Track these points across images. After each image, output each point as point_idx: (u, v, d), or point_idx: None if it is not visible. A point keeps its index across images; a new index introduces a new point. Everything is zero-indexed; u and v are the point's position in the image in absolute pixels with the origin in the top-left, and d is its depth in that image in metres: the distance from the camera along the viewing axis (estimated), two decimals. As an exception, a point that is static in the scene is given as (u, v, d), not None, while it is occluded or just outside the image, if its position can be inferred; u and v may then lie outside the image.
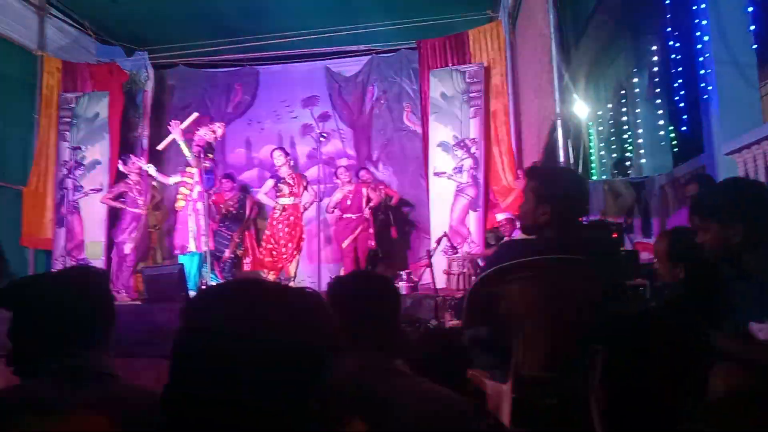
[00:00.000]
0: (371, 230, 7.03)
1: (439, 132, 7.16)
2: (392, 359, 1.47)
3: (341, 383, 1.05)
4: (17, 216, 7.28)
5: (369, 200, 7.02)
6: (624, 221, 5.90)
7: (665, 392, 1.13)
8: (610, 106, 8.96)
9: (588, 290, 2.03)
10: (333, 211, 7.20)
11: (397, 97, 8.21)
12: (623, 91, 8.50)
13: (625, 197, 6.22)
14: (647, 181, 6.45)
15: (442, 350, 1.97)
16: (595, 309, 1.99)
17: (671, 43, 6.41)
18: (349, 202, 7.00)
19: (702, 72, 4.88)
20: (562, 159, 4.56)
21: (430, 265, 5.19)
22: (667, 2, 6.23)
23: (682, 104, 6.18)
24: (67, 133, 7.59)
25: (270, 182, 6.78)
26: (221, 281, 5.81)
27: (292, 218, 6.59)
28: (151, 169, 6.37)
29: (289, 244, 6.54)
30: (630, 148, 8.31)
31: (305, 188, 6.71)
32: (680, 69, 6.17)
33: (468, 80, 7.12)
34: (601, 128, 9.31)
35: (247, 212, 7.49)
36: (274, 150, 6.84)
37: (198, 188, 5.81)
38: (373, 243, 6.99)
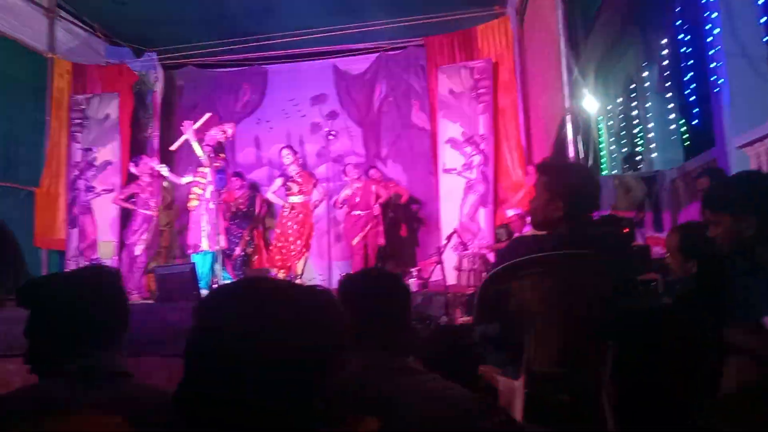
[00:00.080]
0: (381, 227, 7.03)
1: (448, 129, 7.15)
2: (403, 356, 1.47)
3: (352, 381, 1.05)
4: (30, 217, 7.35)
5: (378, 197, 7.02)
6: (635, 216, 5.86)
7: (677, 387, 1.12)
8: (620, 100, 8.90)
9: (600, 285, 2.02)
10: (342, 207, 7.20)
11: (406, 94, 8.20)
12: (633, 85, 8.43)
13: (636, 192, 6.17)
14: (658, 175, 6.40)
15: (453, 347, 1.97)
16: (606, 304, 1.98)
17: (681, 36, 6.35)
18: (357, 199, 7.00)
19: (713, 65, 4.83)
20: (571, 154, 4.54)
21: (440, 262, 5.20)
22: (676, -5, 6.18)
23: (692, 98, 6.13)
24: (78, 134, 7.66)
25: (279, 181, 6.80)
26: (233, 280, 5.85)
27: (301, 216, 6.60)
28: (164, 170, 6.42)
29: (298, 242, 6.55)
30: (640, 142, 8.24)
31: (314, 186, 6.72)
32: (691, 62, 6.12)
33: (476, 76, 7.10)
34: (611, 123, 9.25)
35: (257, 210, 7.52)
36: (282, 149, 6.86)
37: (211, 188, 5.85)
38: (382, 240, 7.00)
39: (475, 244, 6.61)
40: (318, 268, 7.52)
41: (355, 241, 6.93)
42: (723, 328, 1.72)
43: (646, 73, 7.95)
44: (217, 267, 5.81)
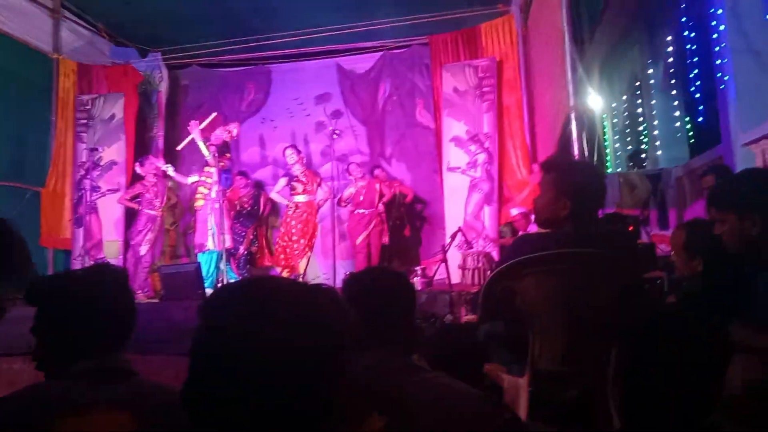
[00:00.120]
0: (384, 226, 7.03)
1: (453, 127, 7.15)
2: (408, 355, 1.47)
3: (357, 379, 1.05)
4: (36, 217, 7.39)
5: (382, 195, 7.02)
6: (640, 214, 5.84)
7: (683, 386, 1.12)
8: (624, 98, 8.87)
9: (605, 284, 2.02)
10: (346, 205, 7.20)
11: (410, 92, 8.20)
12: (638, 83, 8.39)
13: (641, 190, 6.15)
14: (663, 172, 6.38)
15: (458, 345, 1.97)
16: (612, 302, 1.97)
17: (686, 33, 6.32)
18: (361, 198, 7.01)
19: (718, 62, 4.81)
20: (576, 152, 4.53)
21: (444, 261, 5.20)
22: (681, -8, 6.16)
23: (698, 95, 6.10)
24: (84, 134, 7.69)
25: (283, 181, 6.82)
26: (237, 279, 5.87)
27: (305, 215, 6.61)
28: (170, 170, 6.45)
29: (301, 241, 6.56)
30: (645, 140, 8.21)
31: (319, 185, 6.73)
32: (696, 59, 6.09)
33: (480, 75, 7.09)
34: (615, 120, 9.22)
35: (261, 209, 7.53)
36: (286, 148, 6.86)
37: (216, 187, 5.88)
38: (386, 239, 7.00)
39: (480, 242, 6.60)
40: (322, 267, 7.53)
41: (358, 240, 6.94)
42: (729, 327, 1.72)
43: (651, 71, 7.91)
44: (223, 266, 5.83)
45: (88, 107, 7.75)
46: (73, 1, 7.79)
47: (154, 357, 3.11)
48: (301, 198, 6.62)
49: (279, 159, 8.30)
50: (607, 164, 8.55)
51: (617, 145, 9.17)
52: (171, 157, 7.46)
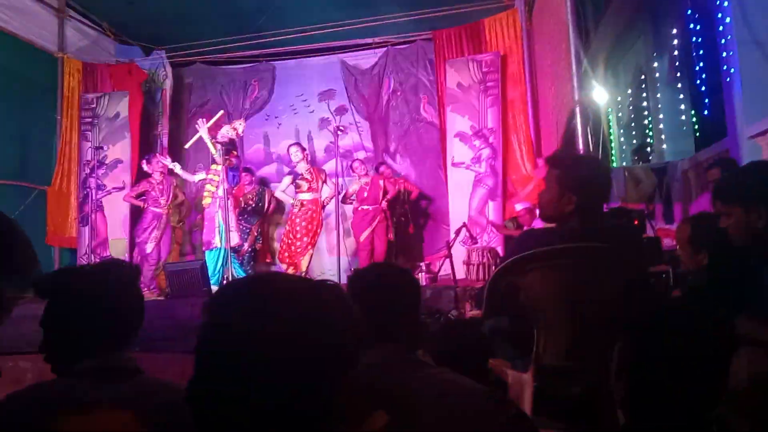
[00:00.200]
0: (388, 223, 7.03)
1: (457, 122, 7.13)
2: (413, 350, 1.47)
3: (363, 376, 1.05)
4: (42, 215, 7.42)
5: (386, 193, 7.02)
6: (645, 208, 5.82)
7: (688, 380, 1.11)
8: (629, 91, 8.82)
9: (610, 278, 2.01)
10: (351, 202, 7.20)
11: (414, 88, 8.18)
12: (643, 76, 8.35)
13: (646, 184, 6.13)
14: (669, 166, 6.35)
15: (463, 341, 1.97)
16: (617, 297, 1.97)
17: (692, 25, 6.28)
18: (366, 194, 7.00)
19: (724, 54, 4.78)
20: (581, 146, 4.51)
21: (449, 256, 5.19)
22: (687, -16, 6.12)
23: (703, 87, 6.07)
24: (89, 133, 7.71)
25: (287, 179, 6.83)
26: (243, 276, 5.87)
27: (309, 213, 6.62)
28: (177, 168, 6.47)
29: (304, 238, 6.57)
30: (651, 133, 8.18)
31: (324, 182, 6.73)
32: (701, 52, 6.05)
33: (484, 69, 7.07)
34: (620, 114, 9.18)
35: (266, 206, 7.54)
36: (290, 146, 6.87)
37: (224, 185, 5.90)
38: (391, 236, 6.99)
39: (485, 238, 6.60)
40: (327, 263, 7.54)
41: (362, 237, 6.93)
42: (734, 320, 1.71)
43: (656, 64, 7.87)
44: (230, 263, 5.85)
45: (92, 106, 7.77)
46: (77, 0, 7.80)
47: (159, 355, 3.13)
48: (306, 196, 6.63)
49: (283, 156, 8.32)
50: (612, 158, 8.52)
51: (622, 138, 9.14)
52: (176, 154, 7.48)
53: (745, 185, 1.85)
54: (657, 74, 7.87)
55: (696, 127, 6.78)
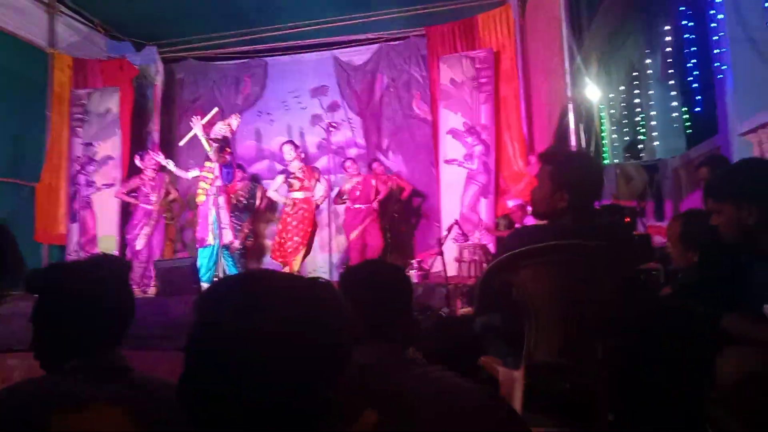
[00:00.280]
0: (380, 222, 7.02)
1: (450, 119, 7.12)
2: (405, 348, 1.47)
3: (355, 375, 1.05)
4: (31, 212, 7.37)
5: (377, 192, 7.01)
6: (636, 205, 5.85)
7: (677, 378, 1.12)
8: (622, 88, 8.85)
9: (603, 276, 2.02)
10: (343, 202, 7.19)
11: (407, 84, 8.17)
12: (635, 73, 8.38)
13: (637, 181, 6.16)
14: (660, 163, 6.39)
15: (454, 338, 1.97)
16: (609, 294, 1.97)
17: (684, 22, 6.31)
18: (358, 193, 6.99)
19: (716, 51, 4.79)
20: (573, 143, 4.52)
21: (441, 253, 5.19)
22: (679, -19, 6.13)
23: (695, 85, 6.10)
24: (79, 129, 7.65)
25: (280, 178, 6.80)
26: (234, 273, 5.86)
27: (301, 212, 6.61)
28: (171, 164, 6.43)
29: (295, 238, 6.55)
30: (643, 130, 8.21)
31: (317, 180, 6.70)
32: (694, 49, 6.08)
33: (478, 66, 7.06)
34: (612, 111, 9.21)
35: (258, 203, 7.52)
36: (283, 144, 6.84)
37: (218, 183, 5.87)
38: (382, 234, 6.98)
39: (476, 235, 6.60)
40: (319, 260, 7.53)
41: (352, 236, 6.91)
42: (723, 318, 1.72)
43: (648, 61, 7.90)
44: (223, 261, 5.84)
45: (83, 102, 7.71)
46: (67, -5, 7.75)
47: (150, 352, 3.11)
48: (298, 195, 6.61)
49: (276, 153, 8.28)
50: (604, 155, 8.55)
51: (614, 135, 9.17)
52: (167, 151, 7.43)
53: (736, 182, 1.85)
54: (649, 71, 7.90)
55: (688, 124, 6.82)
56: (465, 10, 7.48)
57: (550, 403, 1.82)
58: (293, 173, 6.62)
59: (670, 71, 7.24)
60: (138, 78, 8.21)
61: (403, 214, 7.55)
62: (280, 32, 7.91)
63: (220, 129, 6.09)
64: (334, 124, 7.00)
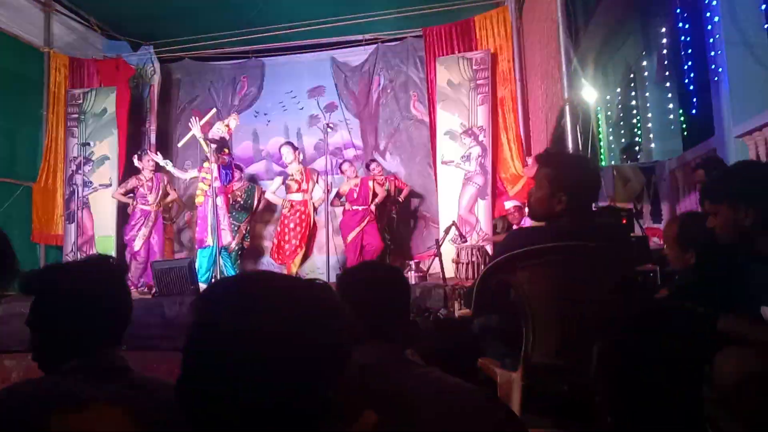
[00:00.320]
0: (378, 223, 7.01)
1: (447, 120, 7.13)
2: (403, 349, 1.47)
3: (354, 376, 1.05)
4: (27, 212, 7.34)
5: (375, 195, 7.00)
6: (633, 207, 5.86)
7: (676, 379, 1.12)
8: (618, 90, 8.88)
9: (600, 277, 2.02)
10: (341, 204, 7.19)
11: (404, 85, 8.18)
12: (632, 75, 8.41)
13: (634, 183, 6.17)
14: (657, 165, 6.40)
15: (452, 339, 1.97)
16: (607, 296, 1.98)
17: (681, 24, 6.33)
18: (355, 195, 6.99)
19: (712, 53, 4.81)
20: (570, 145, 4.52)
21: (438, 255, 5.19)
22: (675, -17, 6.15)
23: (692, 87, 6.11)
24: (76, 129, 7.63)
25: (278, 180, 6.82)
26: (232, 275, 5.86)
27: (298, 214, 6.61)
28: (169, 165, 6.44)
29: (293, 241, 6.56)
30: (639, 132, 8.24)
31: (315, 183, 6.70)
32: (690, 51, 6.10)
33: (475, 67, 7.07)
34: (609, 113, 9.24)
35: (255, 203, 7.51)
36: (282, 146, 6.84)
37: (217, 184, 5.88)
38: (380, 235, 6.97)
39: (474, 236, 6.60)
40: (317, 261, 7.52)
41: (349, 238, 6.91)
42: (720, 319, 1.72)
43: (645, 63, 7.93)
44: (221, 262, 5.84)
45: (79, 101, 7.69)
46: (64, -6, 7.74)
47: (148, 353, 3.11)
48: (296, 197, 6.62)
49: (273, 153, 8.30)
50: (601, 157, 8.57)
51: (611, 137, 9.19)
52: (164, 151, 7.40)
53: (733, 184, 1.86)
54: (646, 73, 7.93)
55: (684, 126, 6.84)
56: (462, 11, 7.49)
57: (549, 405, 1.83)
58: (291, 175, 6.62)
59: (666, 73, 7.27)
60: (134, 78, 8.19)
61: (401, 215, 7.54)
62: (277, 32, 7.90)
63: (218, 129, 6.09)
64: (331, 125, 6.99)
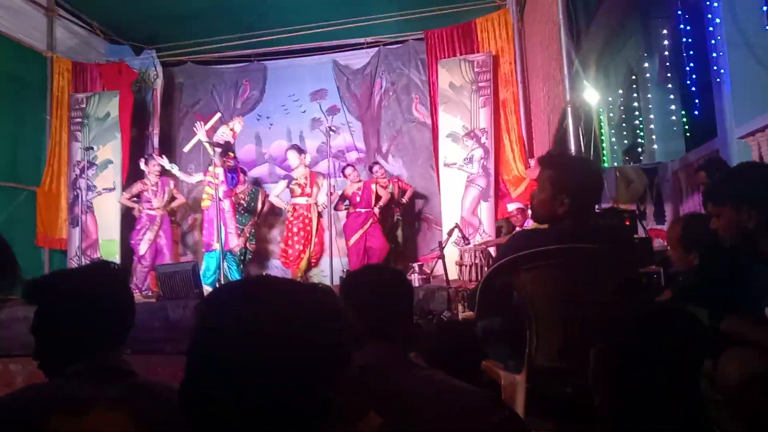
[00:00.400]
0: (380, 226, 7.01)
1: (449, 122, 7.13)
2: (407, 352, 1.47)
3: (356, 378, 1.05)
4: (31, 217, 7.36)
5: (378, 198, 7.01)
6: (636, 208, 5.86)
7: (678, 381, 1.12)
8: (620, 91, 8.87)
9: (604, 279, 2.02)
10: (345, 208, 7.20)
11: (406, 88, 8.19)
12: (634, 76, 8.41)
13: (637, 184, 6.16)
14: (659, 166, 6.40)
15: (456, 342, 1.97)
16: (610, 298, 1.97)
17: (682, 26, 6.32)
18: (358, 198, 7.00)
19: (714, 55, 4.81)
20: (573, 146, 4.51)
21: (442, 257, 5.19)
22: (677, -15, 6.15)
23: (694, 88, 6.11)
24: (79, 133, 7.65)
25: (282, 183, 6.83)
26: (236, 279, 5.88)
27: (302, 218, 6.63)
28: (175, 169, 6.47)
29: (296, 246, 6.58)
30: (642, 133, 8.23)
31: (320, 187, 6.70)
32: (692, 52, 6.10)
33: (476, 69, 7.07)
34: (611, 114, 9.23)
35: (259, 206, 7.53)
36: (287, 150, 6.85)
37: (223, 187, 5.89)
38: (383, 238, 6.97)
39: (477, 238, 6.60)
40: (321, 264, 7.52)
41: (352, 241, 6.91)
42: (724, 320, 1.72)
43: (647, 64, 7.92)
44: (225, 266, 5.86)
45: (82, 106, 7.71)
46: (67, -1, 7.77)
47: (152, 356, 3.11)
48: (299, 201, 6.63)
49: (276, 156, 8.33)
50: (604, 158, 8.56)
51: (613, 139, 9.19)
52: (167, 155, 7.43)
53: (736, 186, 1.86)
54: (648, 75, 7.93)
55: (686, 127, 6.83)
56: (463, 13, 7.50)
57: (553, 407, 1.82)
58: (296, 179, 6.64)
59: (668, 75, 7.26)
60: (137, 82, 8.22)
61: (404, 217, 7.55)
62: (279, 36, 7.92)
63: (222, 133, 6.11)
64: (333, 128, 7.00)
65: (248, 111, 8.60)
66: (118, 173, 7.51)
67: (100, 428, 1.09)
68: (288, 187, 6.72)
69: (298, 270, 6.61)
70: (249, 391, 0.74)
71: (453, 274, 5.61)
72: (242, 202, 7.31)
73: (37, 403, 1.22)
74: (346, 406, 0.84)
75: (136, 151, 7.79)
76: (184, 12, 7.49)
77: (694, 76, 6.07)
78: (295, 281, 0.91)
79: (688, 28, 6.17)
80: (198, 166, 7.90)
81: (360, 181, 7.11)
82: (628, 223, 3.89)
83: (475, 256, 5.93)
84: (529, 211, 5.07)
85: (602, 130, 8.68)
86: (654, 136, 7.77)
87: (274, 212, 7.89)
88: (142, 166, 6.77)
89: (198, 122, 6.24)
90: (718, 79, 4.78)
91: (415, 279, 5.75)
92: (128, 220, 7.35)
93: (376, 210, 6.95)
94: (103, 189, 7.44)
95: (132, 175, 7.33)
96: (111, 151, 7.58)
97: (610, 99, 9.09)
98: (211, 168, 6.01)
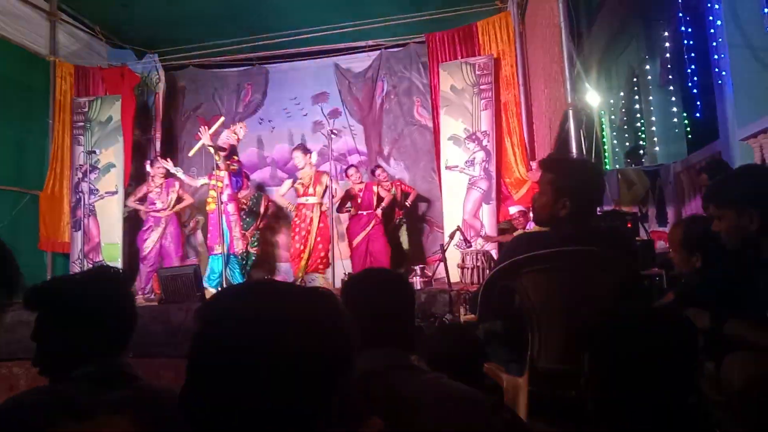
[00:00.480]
0: (384, 228, 7.01)
1: (450, 125, 7.14)
2: (408, 355, 1.47)
3: (357, 381, 1.05)
4: (34, 220, 7.38)
5: (380, 200, 7.01)
6: (638, 210, 5.85)
7: (678, 383, 1.12)
8: (622, 94, 8.87)
9: (604, 282, 2.02)
10: (347, 211, 7.20)
11: (407, 91, 8.20)
12: (635, 79, 8.40)
13: (639, 186, 6.16)
14: (661, 169, 6.39)
15: (458, 345, 1.97)
16: (612, 301, 1.97)
17: (683, 28, 6.31)
18: (360, 200, 7.01)
19: (715, 57, 4.81)
20: (574, 149, 4.51)
21: (443, 260, 5.19)
22: (678, -13, 6.15)
23: (695, 90, 6.09)
24: (81, 137, 7.67)
25: (288, 183, 6.83)
26: (238, 283, 5.89)
27: (304, 216, 6.63)
28: (180, 172, 6.49)
29: (297, 245, 6.58)
30: (643, 136, 8.22)
31: (325, 189, 6.71)
32: (693, 54, 6.08)
33: (478, 72, 7.08)
34: (613, 117, 9.22)
35: (262, 210, 7.54)
36: (293, 150, 6.86)
37: (227, 191, 5.90)
38: (385, 240, 6.97)
39: (479, 241, 6.59)
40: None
41: (355, 242, 6.92)
42: (726, 323, 1.72)
43: (648, 66, 7.92)
44: (228, 269, 5.87)
45: (85, 110, 7.73)
46: (69, 3, 7.78)
47: (154, 360, 3.11)
48: (303, 200, 6.64)
49: (278, 159, 8.34)
50: (605, 161, 8.55)
51: (615, 141, 9.17)
52: (169, 158, 7.45)
53: (738, 189, 1.86)
54: (649, 77, 7.92)
55: (688, 129, 6.83)
56: (464, 17, 7.51)
57: (555, 410, 1.82)
58: (300, 179, 6.65)
59: (669, 77, 7.25)
60: (139, 86, 8.25)
61: (407, 220, 7.55)
62: (281, 39, 7.94)
63: (226, 137, 6.13)
64: (335, 131, 7.01)
65: (250, 114, 8.62)
66: (120, 177, 7.53)
67: (103, 432, 1.09)
68: (293, 186, 6.72)
69: (299, 270, 6.60)
70: (249, 395, 0.75)
71: (455, 276, 5.61)
72: (244, 206, 7.33)
73: (40, 407, 1.22)
74: (347, 409, 0.84)
75: (138, 154, 7.81)
76: (185, 16, 7.52)
77: (695, 78, 6.06)
78: (296, 285, 0.91)
79: (690, 30, 6.16)
80: (200, 169, 7.91)
81: (362, 182, 7.11)
82: (630, 225, 3.89)
83: (477, 259, 5.93)
84: (531, 214, 5.06)
85: (604, 133, 8.67)
86: (656, 139, 7.77)
87: (279, 215, 7.89)
88: (148, 168, 6.81)
89: (202, 126, 6.27)
90: (720, 81, 4.77)
91: (416, 282, 5.76)
92: (131, 224, 7.37)
93: (378, 212, 6.95)
94: (106, 192, 7.46)
95: (134, 178, 7.35)
96: (113, 154, 7.60)
97: (611, 101, 9.08)
98: (215, 171, 6.03)
